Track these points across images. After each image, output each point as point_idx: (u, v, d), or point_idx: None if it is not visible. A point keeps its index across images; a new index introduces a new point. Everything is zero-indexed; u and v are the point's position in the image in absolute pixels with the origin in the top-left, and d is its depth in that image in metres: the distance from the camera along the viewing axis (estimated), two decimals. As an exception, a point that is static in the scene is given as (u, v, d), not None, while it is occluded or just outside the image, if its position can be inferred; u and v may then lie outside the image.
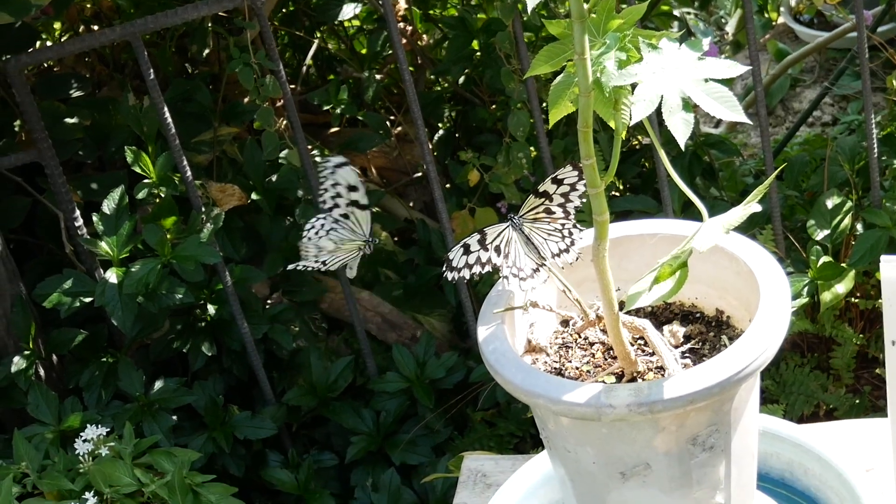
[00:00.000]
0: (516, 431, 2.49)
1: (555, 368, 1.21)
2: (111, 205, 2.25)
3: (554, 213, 1.19)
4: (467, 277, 1.17)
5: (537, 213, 1.19)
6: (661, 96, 0.98)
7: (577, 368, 1.20)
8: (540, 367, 1.20)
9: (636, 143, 2.76)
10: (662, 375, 1.15)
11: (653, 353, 1.18)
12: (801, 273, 2.41)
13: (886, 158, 2.56)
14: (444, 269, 1.17)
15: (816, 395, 2.46)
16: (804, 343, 2.60)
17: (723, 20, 4.11)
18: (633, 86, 1.00)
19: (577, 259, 1.20)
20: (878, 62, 3.16)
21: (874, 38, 2.68)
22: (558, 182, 1.18)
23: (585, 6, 0.98)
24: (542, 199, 1.19)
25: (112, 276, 2.21)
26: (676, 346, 1.20)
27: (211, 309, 2.44)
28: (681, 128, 0.97)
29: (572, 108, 1.09)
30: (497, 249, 1.18)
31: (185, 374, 2.51)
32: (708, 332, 1.23)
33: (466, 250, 1.17)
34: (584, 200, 1.17)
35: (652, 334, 1.18)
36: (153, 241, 2.23)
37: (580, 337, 1.24)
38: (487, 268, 1.18)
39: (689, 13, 2.94)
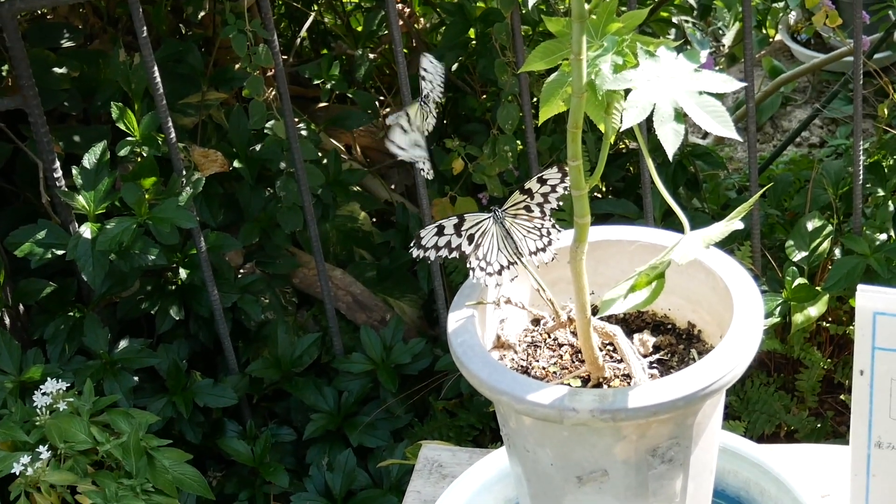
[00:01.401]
0: (476, 423, 2.49)
1: (521, 367, 1.20)
2: (92, 159, 2.23)
3: (532, 211, 1.18)
4: (432, 259, 1.15)
5: (518, 208, 1.19)
6: (654, 104, 0.97)
7: (544, 369, 1.19)
8: (507, 364, 1.19)
9: (622, 146, 2.76)
10: (629, 383, 1.15)
11: (621, 360, 1.18)
12: (776, 292, 2.42)
13: (871, 186, 2.56)
14: (412, 244, 1.15)
15: (779, 416, 2.47)
16: (771, 362, 2.60)
17: (720, 31, 4.11)
18: (627, 91, 0.99)
19: (553, 259, 1.19)
20: (871, 89, 3.17)
21: (869, 64, 2.68)
22: (542, 182, 1.17)
23: (586, 6, 0.98)
24: (525, 196, 1.18)
25: (86, 230, 2.20)
26: (645, 356, 1.20)
27: (183, 273, 2.43)
28: (671, 138, 0.97)
29: (563, 108, 1.08)
30: (470, 238, 1.17)
31: (151, 335, 2.50)
32: (678, 344, 1.23)
33: (440, 232, 1.15)
34: (562, 203, 1.17)
35: (622, 341, 1.17)
36: (131, 200, 2.22)
37: (550, 337, 1.24)
38: (455, 254, 1.16)
39: (687, 21, 2.93)
